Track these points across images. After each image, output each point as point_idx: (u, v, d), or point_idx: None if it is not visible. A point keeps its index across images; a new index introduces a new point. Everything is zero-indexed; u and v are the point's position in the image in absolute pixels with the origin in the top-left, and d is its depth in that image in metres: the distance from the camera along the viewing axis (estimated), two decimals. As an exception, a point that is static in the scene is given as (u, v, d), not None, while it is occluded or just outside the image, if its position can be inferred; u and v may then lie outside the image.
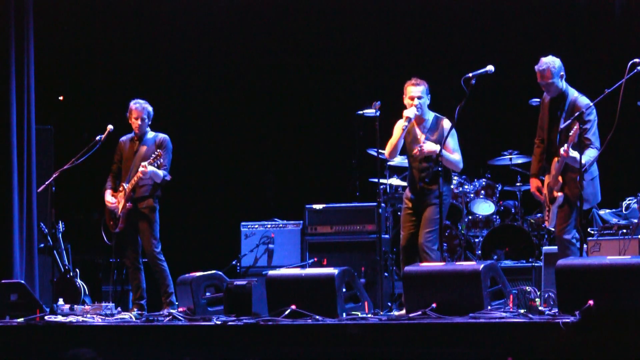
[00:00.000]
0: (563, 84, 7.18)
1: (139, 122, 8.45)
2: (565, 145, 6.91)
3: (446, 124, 7.58)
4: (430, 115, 7.64)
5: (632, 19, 9.84)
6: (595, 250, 7.51)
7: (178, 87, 11.47)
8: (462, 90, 7.32)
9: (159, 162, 8.31)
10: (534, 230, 9.55)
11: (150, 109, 8.52)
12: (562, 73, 7.20)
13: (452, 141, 7.54)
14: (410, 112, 7.48)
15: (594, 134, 7.10)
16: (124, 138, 8.68)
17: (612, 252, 7.40)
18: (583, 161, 6.86)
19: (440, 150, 7.35)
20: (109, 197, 8.55)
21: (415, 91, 7.57)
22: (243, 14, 11.28)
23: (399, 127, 7.55)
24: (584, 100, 7.16)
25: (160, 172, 8.33)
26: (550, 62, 7.19)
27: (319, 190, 10.61)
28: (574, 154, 6.87)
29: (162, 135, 8.51)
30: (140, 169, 8.23)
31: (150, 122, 8.53)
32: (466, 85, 7.31)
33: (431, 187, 7.48)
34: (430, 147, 7.45)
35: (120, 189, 8.50)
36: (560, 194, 7.15)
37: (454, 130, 7.53)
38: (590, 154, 6.99)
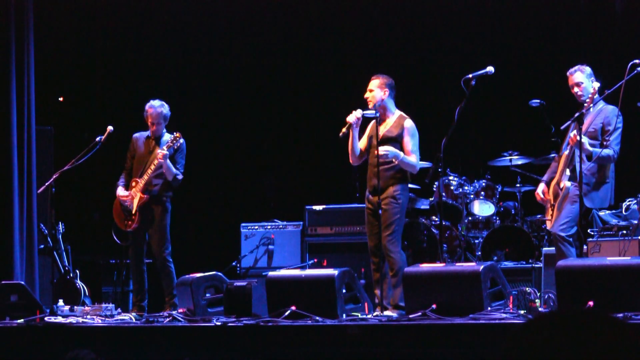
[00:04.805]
0: (592, 90, 7.19)
1: (154, 127, 8.39)
2: (575, 131, 6.96)
3: (407, 123, 7.47)
4: (394, 113, 7.55)
5: (632, 19, 9.83)
6: (595, 251, 7.51)
7: (178, 88, 11.46)
8: (462, 91, 7.32)
9: (176, 146, 8.26)
10: (534, 232, 9.54)
11: (166, 111, 8.41)
12: (592, 78, 7.24)
13: (412, 142, 7.43)
14: (350, 116, 7.42)
15: (615, 139, 7.16)
16: (137, 135, 8.58)
17: (612, 253, 7.39)
18: (590, 149, 7.00)
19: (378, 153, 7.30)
20: (123, 191, 8.44)
21: (370, 85, 7.54)
22: (243, 14, 11.28)
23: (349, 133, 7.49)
24: (609, 107, 7.24)
25: (173, 169, 8.30)
26: (580, 66, 7.31)
27: (319, 191, 10.61)
28: (584, 140, 6.93)
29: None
30: (160, 152, 8.17)
31: (167, 123, 8.49)
32: (466, 86, 7.32)
33: (386, 187, 7.38)
34: (387, 149, 7.34)
35: (133, 184, 8.40)
36: (568, 183, 7.16)
37: (415, 131, 7.46)
38: (604, 151, 7.04)
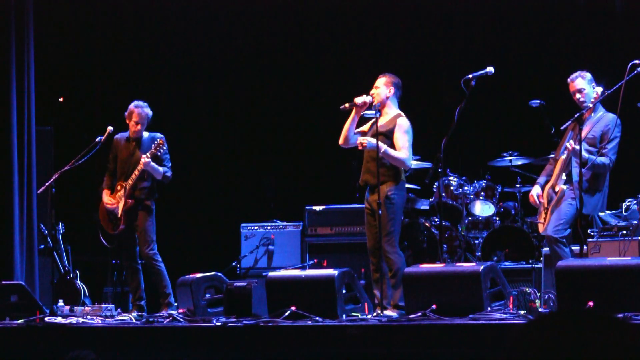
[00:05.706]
0: (595, 95, 7.19)
1: (139, 127, 8.38)
2: (572, 141, 6.97)
3: (400, 120, 7.43)
4: (393, 111, 7.53)
5: (632, 19, 9.83)
6: (595, 252, 7.51)
7: (178, 88, 11.47)
8: (462, 91, 7.32)
9: (159, 152, 8.25)
10: (534, 232, 9.53)
11: (150, 113, 8.41)
12: (593, 84, 7.25)
13: (403, 138, 7.37)
14: (359, 98, 7.39)
15: (612, 148, 7.16)
16: (118, 136, 8.56)
17: (612, 254, 7.40)
18: (586, 156, 7.00)
19: (378, 146, 7.24)
20: (107, 198, 8.49)
21: (377, 82, 7.52)
22: (244, 15, 11.28)
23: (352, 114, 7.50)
24: (610, 115, 7.25)
25: (160, 169, 8.29)
26: (581, 72, 7.31)
27: (318, 191, 10.61)
28: (582, 149, 6.95)
29: (158, 135, 8.45)
30: (143, 159, 8.16)
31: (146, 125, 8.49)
32: (466, 86, 7.32)
33: (380, 187, 7.27)
34: (367, 140, 7.31)
35: (118, 188, 8.41)
36: (564, 186, 7.17)
37: (409, 129, 7.41)
38: (599, 159, 7.05)
